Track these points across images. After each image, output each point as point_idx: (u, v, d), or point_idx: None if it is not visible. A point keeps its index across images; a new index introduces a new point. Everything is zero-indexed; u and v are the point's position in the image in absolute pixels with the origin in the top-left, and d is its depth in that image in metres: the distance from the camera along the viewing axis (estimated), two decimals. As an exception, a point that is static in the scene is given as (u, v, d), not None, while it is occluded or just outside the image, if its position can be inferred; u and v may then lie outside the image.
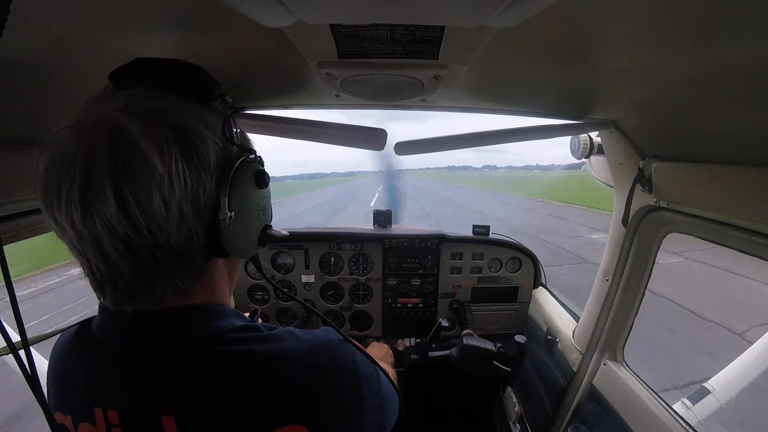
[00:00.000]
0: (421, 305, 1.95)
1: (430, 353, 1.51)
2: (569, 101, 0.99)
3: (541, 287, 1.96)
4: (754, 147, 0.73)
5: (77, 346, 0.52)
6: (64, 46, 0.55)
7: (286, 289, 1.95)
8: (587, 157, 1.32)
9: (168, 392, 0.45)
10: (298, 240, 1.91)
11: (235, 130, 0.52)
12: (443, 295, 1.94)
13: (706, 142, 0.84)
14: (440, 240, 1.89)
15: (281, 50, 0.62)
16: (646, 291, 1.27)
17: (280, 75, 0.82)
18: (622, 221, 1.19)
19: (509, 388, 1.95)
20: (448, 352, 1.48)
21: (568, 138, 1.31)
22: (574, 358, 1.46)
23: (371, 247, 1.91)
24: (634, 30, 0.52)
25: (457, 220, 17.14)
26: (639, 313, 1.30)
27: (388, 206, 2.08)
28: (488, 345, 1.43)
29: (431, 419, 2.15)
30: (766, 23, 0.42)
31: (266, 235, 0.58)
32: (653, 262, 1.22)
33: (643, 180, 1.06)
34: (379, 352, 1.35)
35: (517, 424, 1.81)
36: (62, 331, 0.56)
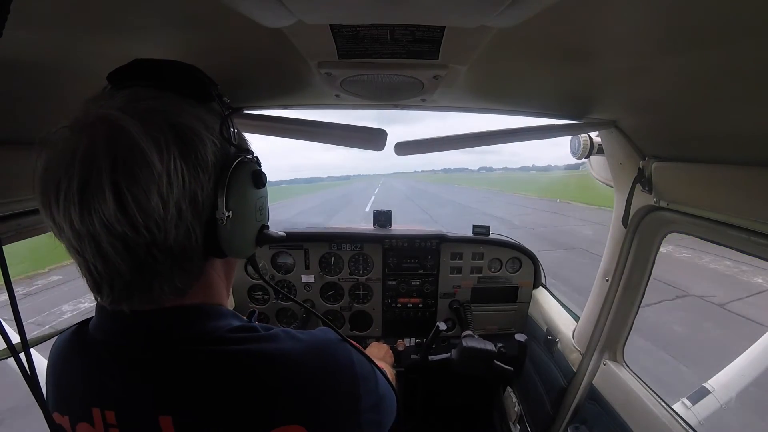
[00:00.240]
0: (421, 305, 1.95)
1: (430, 357, 1.51)
2: (569, 101, 0.99)
3: (541, 287, 1.96)
4: (754, 147, 0.73)
5: (75, 346, 0.52)
6: (66, 46, 0.55)
7: (286, 290, 1.97)
8: (587, 157, 1.32)
9: (165, 392, 0.45)
10: (298, 240, 1.91)
11: (232, 130, 0.52)
12: (443, 295, 1.94)
13: (706, 142, 0.84)
14: (440, 240, 1.89)
15: (281, 50, 0.62)
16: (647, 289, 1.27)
17: (280, 75, 0.82)
18: (622, 221, 1.19)
19: (509, 388, 1.95)
20: (448, 354, 1.47)
21: (565, 138, 1.31)
22: (574, 358, 1.46)
23: (371, 247, 1.91)
24: (634, 30, 0.52)
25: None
26: (639, 312, 1.30)
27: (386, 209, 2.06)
28: (488, 345, 1.43)
29: (431, 419, 2.15)
30: (766, 23, 0.42)
31: (263, 236, 0.58)
32: (653, 262, 1.22)
33: (643, 180, 1.06)
34: (379, 352, 1.35)
35: (517, 424, 1.81)
36: (61, 331, 0.56)
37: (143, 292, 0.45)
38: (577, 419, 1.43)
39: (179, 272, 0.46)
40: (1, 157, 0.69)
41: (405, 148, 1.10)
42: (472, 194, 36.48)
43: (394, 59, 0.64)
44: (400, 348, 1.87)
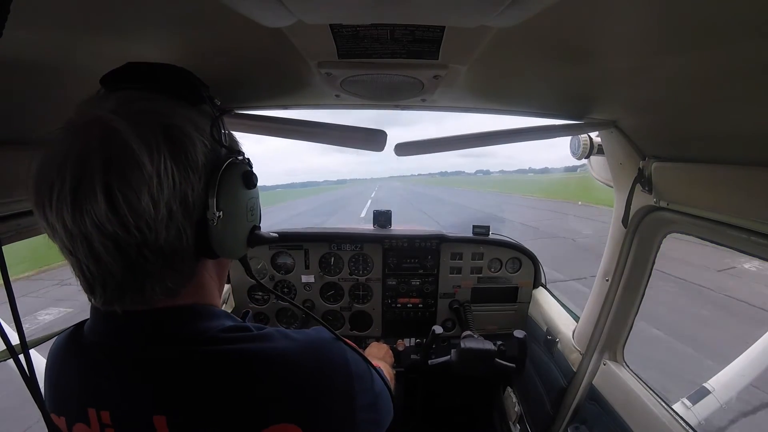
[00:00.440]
0: (421, 305, 1.95)
1: (429, 361, 1.51)
2: (569, 101, 0.99)
3: (540, 287, 1.95)
4: (754, 147, 0.73)
5: (70, 348, 0.52)
6: (66, 46, 0.55)
7: (285, 290, 1.97)
8: (587, 157, 1.32)
9: (159, 392, 0.46)
10: (298, 240, 1.91)
11: (223, 131, 0.52)
12: (443, 295, 1.94)
13: (706, 142, 0.84)
14: (440, 240, 1.89)
15: (281, 50, 0.62)
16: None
17: (280, 75, 0.82)
18: (622, 221, 1.19)
19: (509, 388, 1.96)
20: (448, 357, 1.47)
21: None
22: (574, 358, 1.46)
23: (371, 247, 1.91)
24: (634, 30, 0.52)
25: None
26: (639, 312, 1.30)
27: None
28: (487, 345, 1.43)
29: (431, 419, 2.15)
30: (766, 23, 0.42)
31: (255, 236, 0.58)
32: (653, 263, 1.22)
33: (643, 180, 1.06)
34: (379, 352, 1.35)
35: (517, 424, 1.81)
36: (60, 332, 0.56)
37: (135, 293, 0.45)
38: (577, 419, 1.43)
39: (171, 273, 0.46)
40: (1, 157, 0.69)
41: (405, 148, 1.10)
42: (478, 197, 33.60)
43: (394, 59, 0.64)
44: (400, 348, 1.87)
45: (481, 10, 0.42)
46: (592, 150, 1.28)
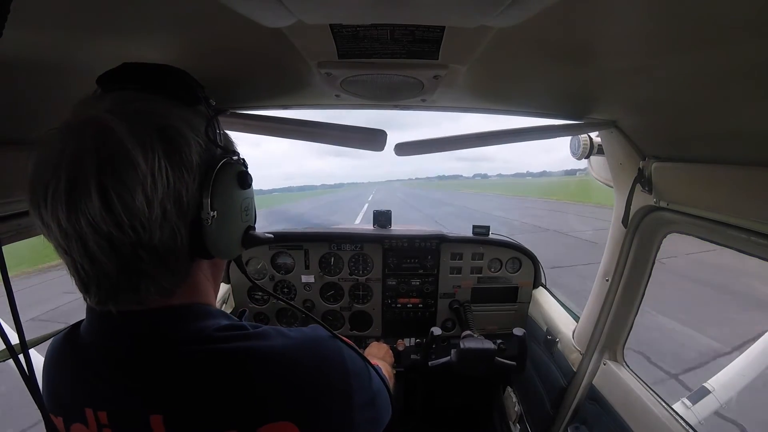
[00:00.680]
0: (421, 305, 1.95)
1: (430, 363, 1.51)
2: (569, 101, 0.98)
3: (540, 287, 1.95)
4: (754, 147, 0.73)
5: (67, 348, 0.53)
6: (66, 46, 0.55)
7: (285, 290, 1.96)
8: (587, 157, 1.32)
9: (155, 391, 0.46)
10: (298, 240, 1.91)
11: (218, 131, 0.52)
12: (443, 295, 1.94)
13: (706, 142, 0.84)
14: (440, 240, 1.89)
15: (281, 50, 0.62)
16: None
17: (280, 75, 0.82)
18: (622, 221, 1.19)
19: (509, 388, 1.95)
20: (448, 358, 1.47)
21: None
22: (574, 358, 1.46)
23: (371, 247, 1.91)
24: (634, 30, 0.52)
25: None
26: (639, 312, 1.30)
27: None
28: (487, 344, 1.43)
29: (431, 419, 2.15)
30: (766, 23, 0.42)
31: (249, 237, 0.58)
32: (653, 263, 1.22)
33: (643, 180, 1.06)
34: (379, 351, 1.35)
35: (517, 424, 1.81)
36: (58, 332, 0.56)
37: (130, 293, 0.45)
38: (577, 419, 1.43)
39: (165, 272, 0.46)
40: (1, 157, 0.69)
41: (405, 148, 1.10)
42: (485, 200, 30.72)
43: (394, 59, 0.63)
44: (400, 348, 1.87)
45: (481, 10, 0.42)
46: (592, 150, 1.28)
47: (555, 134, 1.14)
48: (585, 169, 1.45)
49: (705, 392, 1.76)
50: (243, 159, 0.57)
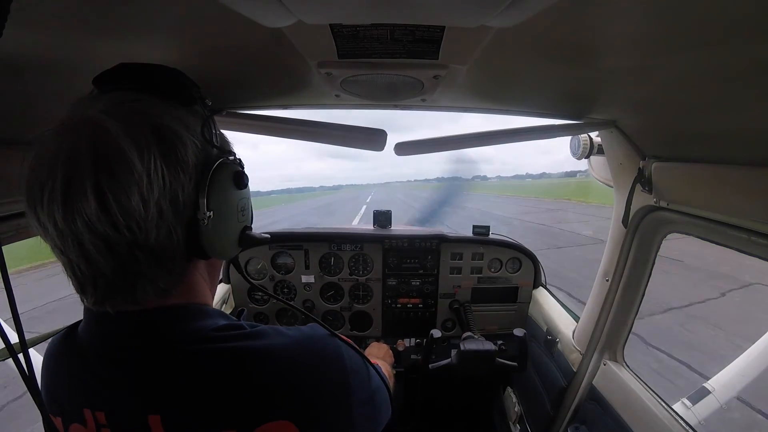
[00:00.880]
0: (421, 305, 1.95)
1: (430, 365, 1.51)
2: (569, 101, 0.98)
3: (541, 287, 1.95)
4: (754, 147, 0.73)
5: (65, 349, 0.53)
6: (66, 46, 0.55)
7: (285, 290, 1.96)
8: (587, 157, 1.32)
9: (153, 392, 0.46)
10: (298, 240, 1.91)
11: (215, 131, 0.52)
12: (443, 295, 1.94)
13: (706, 142, 0.84)
14: (440, 240, 1.89)
15: (281, 50, 0.62)
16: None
17: (280, 75, 0.82)
18: (622, 221, 1.19)
19: (509, 388, 1.95)
20: (448, 360, 1.47)
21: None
22: (574, 358, 1.46)
23: (371, 247, 1.91)
24: (634, 30, 0.52)
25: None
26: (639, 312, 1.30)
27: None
28: (488, 345, 1.43)
29: (431, 419, 2.15)
30: (766, 24, 0.42)
31: (246, 237, 0.58)
32: (653, 262, 1.22)
33: (643, 180, 1.06)
34: (379, 351, 1.35)
35: (517, 425, 1.81)
36: (57, 332, 0.56)
37: (126, 293, 0.45)
38: (577, 419, 1.43)
39: (162, 273, 0.46)
40: (1, 157, 0.69)
41: (405, 148, 1.10)
42: (495, 203, 27.94)
43: (394, 59, 0.63)
44: (400, 348, 1.87)
45: (481, 10, 0.42)
46: (592, 150, 1.28)
47: (555, 134, 1.14)
48: (585, 171, 1.45)
49: (705, 392, 1.75)
50: (239, 159, 0.56)
